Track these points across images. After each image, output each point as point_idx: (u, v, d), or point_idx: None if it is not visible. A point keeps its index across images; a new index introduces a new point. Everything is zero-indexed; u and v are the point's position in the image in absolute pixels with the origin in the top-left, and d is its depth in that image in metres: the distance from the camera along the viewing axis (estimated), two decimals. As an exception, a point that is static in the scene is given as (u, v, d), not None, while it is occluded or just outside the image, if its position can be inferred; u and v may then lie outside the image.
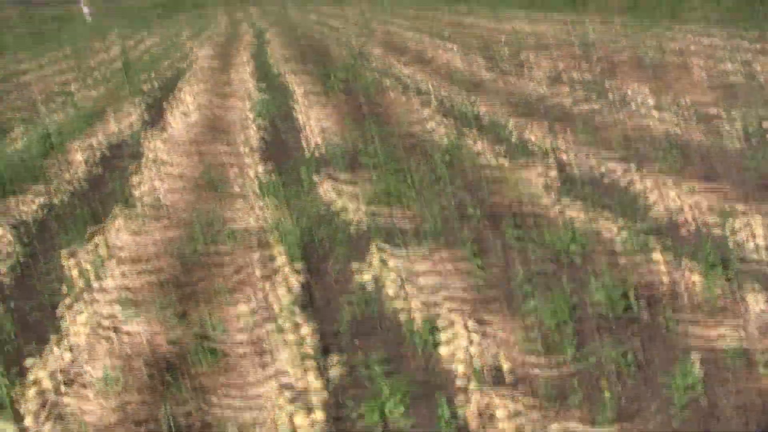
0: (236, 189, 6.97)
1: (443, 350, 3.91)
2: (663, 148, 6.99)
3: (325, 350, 4.05)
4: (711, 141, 7.28)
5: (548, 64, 12.31)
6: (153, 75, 14.76)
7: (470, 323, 4.04)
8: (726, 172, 6.28)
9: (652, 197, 5.77)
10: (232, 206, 6.49)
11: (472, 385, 3.54)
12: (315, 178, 6.93)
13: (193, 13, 51.14)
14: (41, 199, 7.22)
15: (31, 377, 4.00)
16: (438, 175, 6.72)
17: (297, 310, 4.42)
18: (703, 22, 15.59)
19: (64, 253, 5.68)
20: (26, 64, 20.11)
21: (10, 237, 6.25)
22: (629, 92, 9.70)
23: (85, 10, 57.99)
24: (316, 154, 7.89)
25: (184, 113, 10.70)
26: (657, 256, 4.62)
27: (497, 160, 7.12)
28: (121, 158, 8.67)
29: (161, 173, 7.66)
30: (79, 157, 8.70)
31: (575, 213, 5.51)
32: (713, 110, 8.36)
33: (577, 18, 18.59)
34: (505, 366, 3.73)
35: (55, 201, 7.22)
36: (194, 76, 14.32)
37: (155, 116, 10.98)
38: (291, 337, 4.13)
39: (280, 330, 4.21)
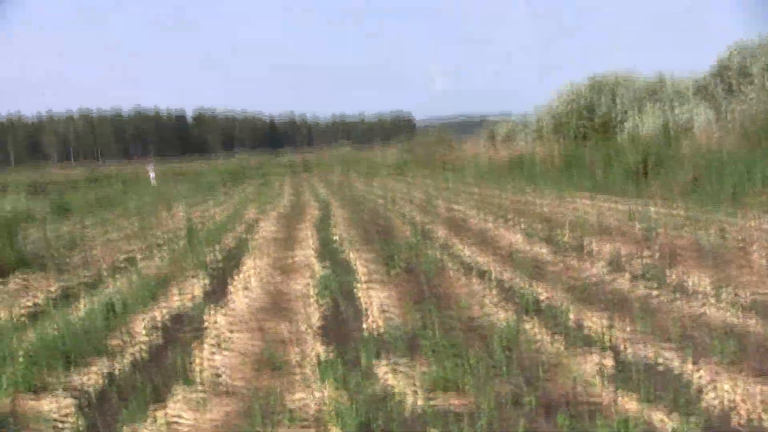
0: (296, 368, 7.08)
1: None
2: (720, 339, 7.02)
3: None
4: (768, 332, 7.31)
5: (610, 249, 12.44)
6: (217, 247, 15.09)
7: None
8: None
9: (707, 389, 5.80)
10: (292, 386, 6.59)
11: None
12: (374, 360, 7.04)
13: (258, 182, 52.30)
14: (104, 371, 7.38)
15: None
16: (495, 361, 6.79)
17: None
18: (766, 207, 15.70)
19: (125, 429, 5.81)
20: (92, 230, 20.65)
21: (72, 408, 6.40)
22: (689, 279, 9.77)
23: (152, 174, 60.17)
24: (376, 335, 8.02)
25: (246, 287, 10.92)
26: (708, 451, 4.63)
27: (554, 347, 7.19)
28: (182, 331, 8.85)
29: (222, 349, 7.81)
30: (141, 328, 8.90)
31: (628, 403, 5.55)
32: (772, 301, 8.42)
33: (641, 202, 18.79)
34: None
35: (117, 373, 7.35)
36: (258, 250, 14.65)
37: (218, 289, 11.23)
38: None
39: None
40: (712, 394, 5.70)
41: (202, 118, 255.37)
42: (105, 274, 13.13)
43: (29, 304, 10.86)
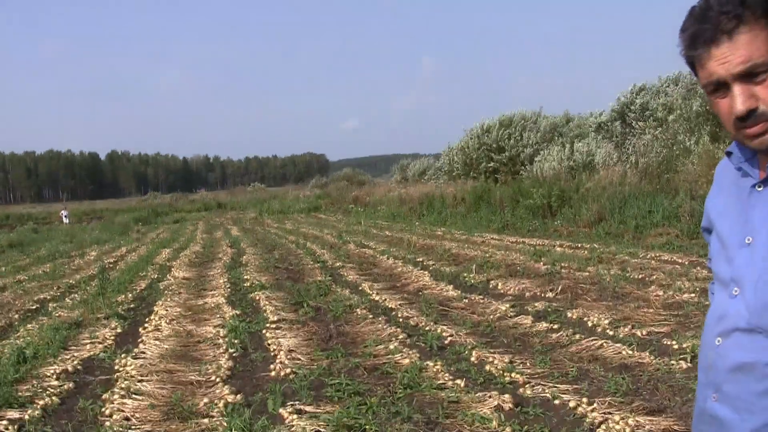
0: (204, 414, 7.17)
1: None
2: (614, 376, 7.34)
3: None
4: (661, 367, 7.62)
5: (515, 288, 12.76)
6: (129, 295, 15.03)
7: None
8: (672, 399, 6.59)
9: (599, 425, 6.06)
10: (200, 431, 6.69)
11: None
12: (280, 405, 7.18)
13: (171, 223, 52.02)
14: (14, 417, 7.37)
15: None
16: (398, 403, 6.99)
17: None
18: (667, 248, 16.22)
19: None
20: (5, 278, 20.30)
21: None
22: (589, 317, 10.09)
23: (64, 213, 60.04)
24: (283, 379, 8.15)
25: (157, 333, 10.94)
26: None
27: (456, 387, 7.40)
28: (93, 378, 8.85)
29: (132, 396, 7.85)
30: (52, 376, 8.86)
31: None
32: (666, 337, 8.77)
33: (549, 242, 19.23)
34: None
35: (28, 423, 7.33)
36: (169, 294, 14.64)
37: (129, 334, 11.23)
38: None
39: None
40: (603, 430, 5.96)
41: (115, 159, 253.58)
42: (16, 319, 13.04)
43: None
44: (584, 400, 6.67)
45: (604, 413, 6.30)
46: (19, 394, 8.14)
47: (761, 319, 2.06)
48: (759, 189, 2.17)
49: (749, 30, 2.01)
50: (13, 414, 7.51)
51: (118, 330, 11.53)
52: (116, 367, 9.17)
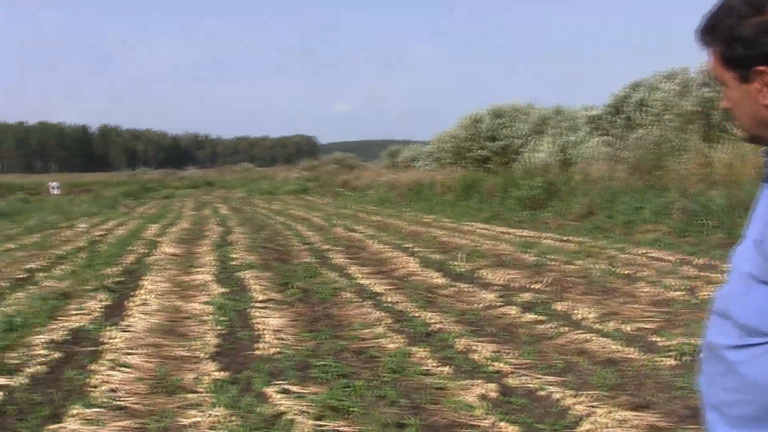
0: (190, 389, 7.19)
1: None
2: (601, 370, 7.37)
3: None
4: (648, 362, 7.66)
5: (502, 278, 12.78)
6: (117, 268, 14.99)
7: None
8: (657, 395, 6.63)
9: (584, 418, 6.08)
10: (186, 406, 6.70)
11: None
12: (266, 383, 7.20)
13: (160, 199, 51.74)
14: (2, 383, 7.39)
15: None
16: (383, 386, 7.01)
17: None
18: (656, 245, 16.25)
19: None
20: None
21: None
22: (576, 310, 10.11)
23: (53, 185, 59.71)
24: (269, 358, 8.16)
25: (145, 309, 10.93)
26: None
27: (441, 374, 7.42)
28: (81, 349, 8.85)
29: (119, 368, 7.86)
30: (39, 346, 8.85)
31: (508, 430, 5.81)
32: (653, 334, 8.80)
33: (537, 234, 19.25)
34: None
35: (16, 389, 7.34)
36: (157, 271, 14.61)
37: (116, 308, 11.19)
38: None
39: None
40: (588, 424, 5.98)
41: (106, 133, 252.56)
42: (5, 287, 13.00)
43: None
44: (569, 392, 6.71)
45: (589, 406, 6.33)
46: (8, 361, 8.17)
47: (727, 306, 2.20)
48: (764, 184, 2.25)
49: None
50: (2, 380, 7.53)
51: (106, 302, 11.51)
52: (103, 339, 9.15)
